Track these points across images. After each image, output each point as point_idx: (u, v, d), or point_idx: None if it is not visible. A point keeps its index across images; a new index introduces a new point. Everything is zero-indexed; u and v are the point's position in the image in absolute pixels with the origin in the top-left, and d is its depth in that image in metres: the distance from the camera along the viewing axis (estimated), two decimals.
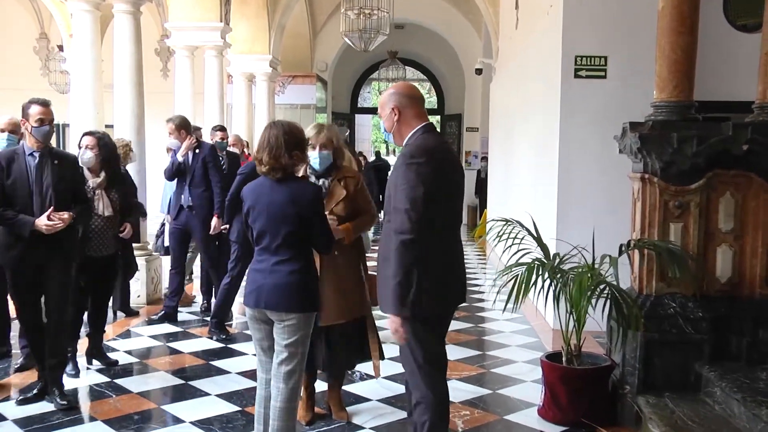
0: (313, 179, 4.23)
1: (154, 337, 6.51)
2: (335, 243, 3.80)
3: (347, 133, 19.65)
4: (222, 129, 7.92)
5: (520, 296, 4.42)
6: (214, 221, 6.79)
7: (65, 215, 4.44)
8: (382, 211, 3.59)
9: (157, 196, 8.41)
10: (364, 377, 5.27)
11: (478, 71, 16.17)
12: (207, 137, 8.20)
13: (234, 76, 13.76)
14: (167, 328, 6.85)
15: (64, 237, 4.50)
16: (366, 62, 20.59)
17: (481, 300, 8.32)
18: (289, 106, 16.34)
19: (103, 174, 5.22)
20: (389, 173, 3.63)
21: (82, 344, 5.56)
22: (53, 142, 4.80)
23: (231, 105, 13.78)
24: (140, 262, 7.26)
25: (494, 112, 13.89)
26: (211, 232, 6.84)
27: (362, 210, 4.32)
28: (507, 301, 4.40)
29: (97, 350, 5.57)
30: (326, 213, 4.02)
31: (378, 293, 3.39)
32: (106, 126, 7.39)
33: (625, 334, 4.36)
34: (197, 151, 6.88)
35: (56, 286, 4.56)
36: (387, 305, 3.21)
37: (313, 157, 4.19)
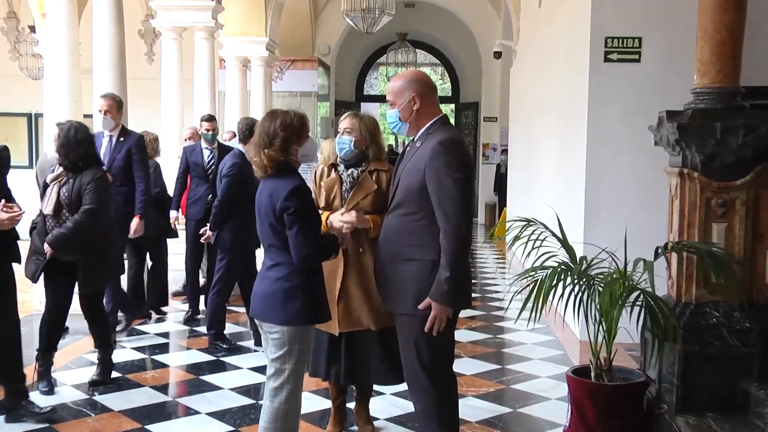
0: (341, 168, 4.31)
1: (138, 349, 6.52)
2: (318, 254, 3.57)
3: None
4: (210, 119, 7.79)
5: (539, 303, 4.39)
6: (135, 223, 6.57)
7: (15, 210, 4.48)
8: (393, 202, 3.67)
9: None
10: (372, 394, 5.25)
11: (497, 55, 16.15)
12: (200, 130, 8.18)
13: (227, 60, 13.77)
14: (153, 339, 6.87)
15: None
16: (373, 45, 20.58)
17: (500, 308, 8.32)
18: (288, 93, 16.35)
19: (59, 168, 5.17)
20: (406, 162, 3.65)
21: (59, 357, 5.57)
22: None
23: (223, 93, 13.79)
24: None
25: (515, 100, 13.87)
26: (131, 235, 6.56)
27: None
28: (522, 308, 4.38)
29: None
30: (352, 206, 4.08)
31: (387, 290, 3.60)
32: (85, 116, 7.39)
33: (662, 347, 4.33)
34: (122, 138, 6.63)
35: None
36: (401, 302, 3.57)
37: (336, 142, 4.32)
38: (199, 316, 7.51)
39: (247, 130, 6.37)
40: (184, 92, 11.00)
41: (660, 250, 4.54)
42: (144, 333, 7.06)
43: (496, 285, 9.89)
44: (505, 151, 16.70)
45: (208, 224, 6.51)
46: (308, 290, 3.53)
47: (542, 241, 4.68)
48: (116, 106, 6.62)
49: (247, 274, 6.47)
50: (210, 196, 7.35)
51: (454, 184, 3.42)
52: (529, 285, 4.46)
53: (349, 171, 4.30)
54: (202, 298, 7.47)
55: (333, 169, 4.36)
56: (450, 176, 3.42)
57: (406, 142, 3.93)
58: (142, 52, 15.88)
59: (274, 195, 3.48)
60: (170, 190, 7.84)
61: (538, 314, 4.32)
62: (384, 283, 3.72)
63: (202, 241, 6.72)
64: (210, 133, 7.66)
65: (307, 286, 3.53)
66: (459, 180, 3.43)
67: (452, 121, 24.64)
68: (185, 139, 8.89)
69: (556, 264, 4.54)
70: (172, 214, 7.60)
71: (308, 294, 3.53)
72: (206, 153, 7.62)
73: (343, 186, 4.27)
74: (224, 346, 6.47)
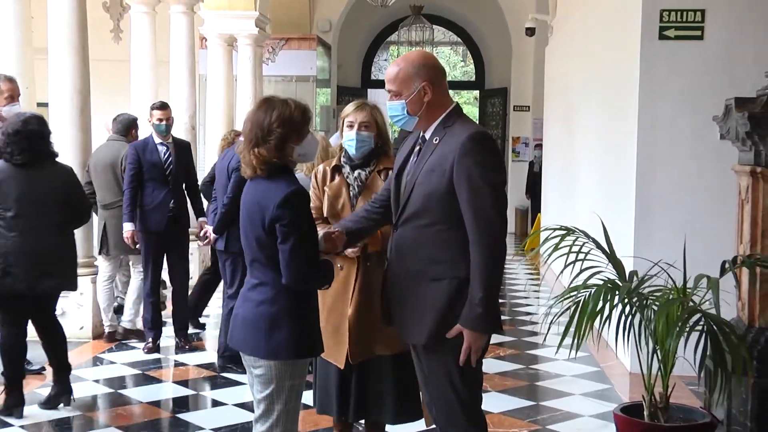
0: (347, 170, 4.29)
1: (103, 381, 6.53)
2: (317, 276, 3.54)
3: None
4: (163, 106, 7.62)
5: (582, 330, 4.36)
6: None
7: None
8: (406, 211, 3.60)
9: None
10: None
11: (530, 32, 16.14)
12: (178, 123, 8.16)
13: (209, 39, 13.77)
14: (119, 369, 6.88)
15: None
16: (382, 21, 20.61)
17: (534, 333, 8.30)
18: (282, 78, 16.37)
19: None
20: (422, 163, 3.58)
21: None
22: None
23: (205, 77, 13.81)
24: (84, 281, 7.29)
25: (551, 86, 13.87)
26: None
27: None
28: (563, 336, 4.34)
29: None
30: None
31: (405, 318, 3.57)
32: (39, 105, 7.40)
33: (730, 381, 4.29)
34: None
35: None
36: (425, 331, 3.52)
37: (349, 138, 4.25)
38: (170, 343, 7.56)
39: None
40: (158, 77, 10.99)
41: (727, 265, 4.51)
42: (111, 362, 7.07)
43: (528, 305, 9.86)
44: (539, 146, 16.68)
45: (207, 226, 6.60)
46: (298, 316, 3.49)
47: (586, 254, 4.65)
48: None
49: None
50: (172, 201, 7.32)
51: (490, 188, 3.40)
52: (570, 307, 4.43)
53: (356, 173, 4.29)
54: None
55: (337, 172, 4.34)
56: (484, 178, 3.39)
57: (407, 137, 3.87)
58: (107, 28, 15.91)
59: (263, 201, 3.44)
60: None
61: (580, 341, 4.29)
62: (402, 309, 3.64)
63: (203, 244, 6.77)
64: (164, 123, 7.45)
65: (297, 310, 3.49)
66: (494, 182, 3.42)
67: (476, 110, 24.73)
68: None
69: (601, 282, 4.51)
70: (127, 227, 7.28)
71: (298, 321, 3.48)
72: (161, 149, 7.41)
73: (351, 191, 4.27)
74: (239, 369, 6.42)
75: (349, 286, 4.17)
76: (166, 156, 7.41)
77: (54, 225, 5.53)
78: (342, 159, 4.34)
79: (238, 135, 7.29)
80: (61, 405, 5.71)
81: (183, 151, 7.63)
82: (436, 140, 3.55)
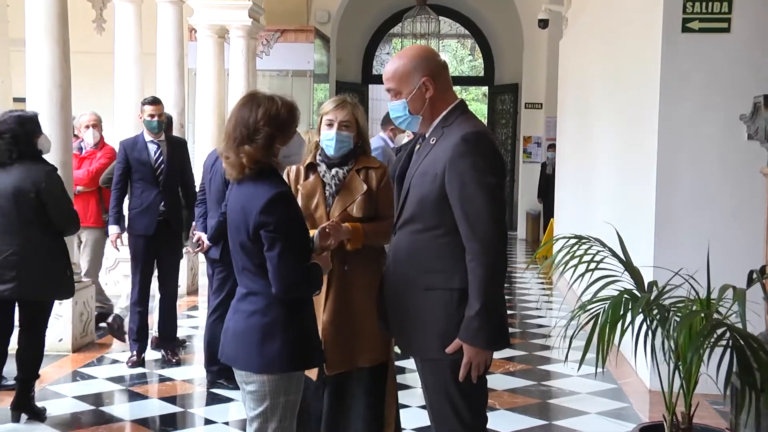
0: (323, 168, 4.31)
1: (81, 398, 6.52)
2: (307, 283, 3.55)
3: None
4: (154, 101, 7.58)
5: (604, 348, 4.34)
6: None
7: None
8: (403, 215, 3.61)
9: None
10: None
11: (543, 23, 16.17)
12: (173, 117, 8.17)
13: (198, 30, 13.80)
14: (100, 385, 6.87)
15: None
16: (384, 12, 20.64)
17: (546, 347, 8.29)
18: (277, 73, 16.40)
19: None
20: (417, 164, 3.59)
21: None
22: None
23: (194, 71, 13.82)
24: None
25: (565, 82, 13.87)
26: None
27: (381, 214, 4.35)
28: (584, 352, 4.33)
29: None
30: (338, 213, 4.08)
31: (403, 329, 3.56)
32: (15, 99, 7.42)
33: (758, 400, 4.28)
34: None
35: None
36: (423, 344, 3.52)
37: (327, 137, 4.27)
38: (157, 357, 7.58)
39: None
40: (144, 71, 11.00)
41: (755, 275, 4.50)
42: (91, 377, 7.05)
43: (540, 317, 9.85)
44: (552, 147, 16.69)
45: (200, 233, 6.61)
46: (293, 326, 3.49)
47: (597, 263, 4.63)
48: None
49: None
50: (162, 203, 7.32)
51: (483, 192, 3.38)
52: (587, 322, 4.41)
53: (333, 171, 4.32)
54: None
55: (311, 170, 4.36)
56: (478, 181, 3.38)
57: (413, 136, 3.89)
58: (89, 18, 15.91)
59: (247, 205, 3.44)
60: None
61: (605, 358, 4.26)
62: (398, 319, 3.67)
63: (195, 251, 6.78)
64: (155, 120, 7.44)
65: (291, 320, 3.49)
66: (489, 186, 3.39)
67: (485, 107, 24.71)
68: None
69: (617, 292, 4.50)
70: (112, 230, 7.40)
71: (293, 331, 3.49)
72: (152, 148, 7.41)
73: (327, 189, 4.29)
74: (230, 385, 6.47)
75: (322, 295, 4.16)
76: (157, 155, 7.40)
77: (24, 227, 5.60)
78: (318, 157, 4.36)
79: None
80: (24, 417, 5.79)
81: (177, 149, 7.58)
82: (433, 140, 3.56)
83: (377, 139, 7.88)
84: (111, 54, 11.13)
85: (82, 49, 10.05)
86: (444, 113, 3.56)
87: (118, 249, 7.45)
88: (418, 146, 3.68)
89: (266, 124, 3.44)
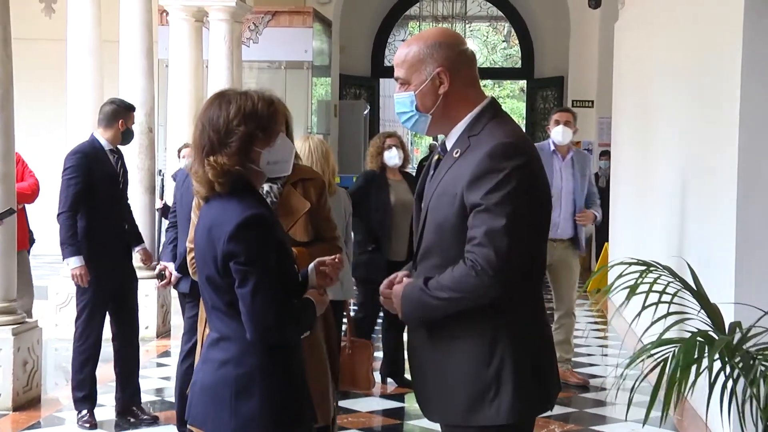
0: (266, 187, 4.37)
1: None
2: (289, 325, 3.50)
3: (366, 111, 19.69)
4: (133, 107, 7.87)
5: (672, 400, 4.32)
6: None
7: None
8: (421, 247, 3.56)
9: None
10: None
11: (594, 2, 16.19)
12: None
13: (171, 13, 13.83)
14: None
15: None
16: None
17: (601, 402, 8.26)
18: (268, 64, 16.45)
19: None
20: (437, 182, 3.51)
21: None
22: None
23: (166, 62, 13.86)
24: (3, 332, 7.32)
25: (622, 75, 13.90)
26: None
27: (320, 234, 4.46)
28: (649, 410, 4.31)
29: None
30: None
31: (427, 389, 3.49)
32: None
33: None
34: None
35: None
36: (449, 407, 3.43)
37: None
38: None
39: None
40: (104, 61, 11.04)
41: None
42: None
43: (593, 364, 9.81)
44: (606, 154, 16.67)
45: (166, 263, 6.68)
46: (275, 377, 3.44)
47: (672, 295, 4.62)
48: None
49: None
50: (125, 226, 7.43)
51: (508, 218, 3.23)
52: (652, 369, 4.39)
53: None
54: None
55: None
56: (502, 207, 3.24)
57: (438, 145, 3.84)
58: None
59: (214, 230, 3.39)
60: None
61: (668, 412, 4.25)
62: (421, 378, 3.58)
63: (160, 284, 6.91)
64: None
65: (273, 371, 3.43)
66: (516, 217, 3.25)
67: (522, 106, 24.72)
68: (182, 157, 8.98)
69: (688, 334, 4.48)
70: (74, 262, 7.23)
71: (275, 383, 3.44)
72: (112, 157, 7.44)
73: None
74: None
75: None
76: (118, 165, 7.45)
77: None
78: None
79: None
80: None
81: (122, 156, 7.65)
82: (456, 153, 3.45)
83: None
84: (63, 41, 11.19)
85: (26, 36, 10.09)
86: (470, 117, 3.44)
87: (87, 285, 7.30)
88: (437, 157, 3.61)
89: (241, 122, 3.40)
